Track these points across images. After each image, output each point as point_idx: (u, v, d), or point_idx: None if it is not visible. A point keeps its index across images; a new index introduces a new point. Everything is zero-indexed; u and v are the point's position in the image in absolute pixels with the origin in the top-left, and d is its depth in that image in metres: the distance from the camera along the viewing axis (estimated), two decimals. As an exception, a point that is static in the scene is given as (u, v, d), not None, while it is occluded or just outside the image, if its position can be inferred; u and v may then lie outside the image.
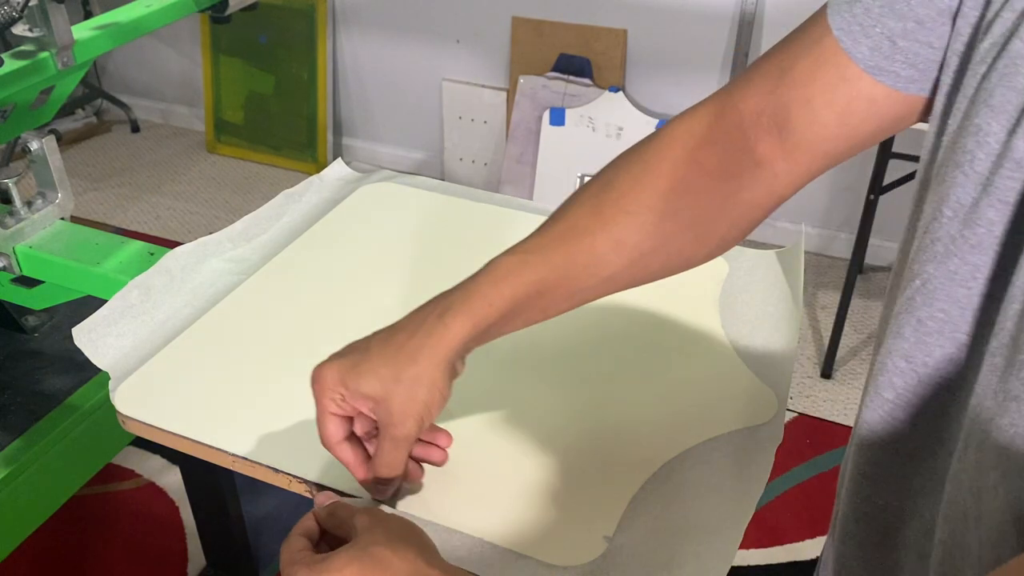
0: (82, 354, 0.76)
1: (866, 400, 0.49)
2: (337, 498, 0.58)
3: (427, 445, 0.64)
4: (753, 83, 0.55)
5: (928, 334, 0.45)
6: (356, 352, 0.58)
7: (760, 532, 1.74)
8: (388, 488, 0.60)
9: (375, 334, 0.59)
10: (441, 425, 0.70)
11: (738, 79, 0.57)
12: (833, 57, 0.51)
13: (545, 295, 0.57)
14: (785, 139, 0.54)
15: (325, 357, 0.77)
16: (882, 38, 0.49)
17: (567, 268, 0.57)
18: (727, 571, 0.58)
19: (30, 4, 0.95)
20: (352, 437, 0.60)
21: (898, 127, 0.52)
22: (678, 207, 0.56)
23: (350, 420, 0.60)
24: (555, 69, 2.73)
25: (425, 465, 0.65)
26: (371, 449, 0.60)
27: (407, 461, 0.59)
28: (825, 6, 0.52)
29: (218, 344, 0.79)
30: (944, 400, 0.46)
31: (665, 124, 0.59)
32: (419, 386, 0.56)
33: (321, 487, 0.65)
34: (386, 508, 0.62)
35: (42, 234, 1.05)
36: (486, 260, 0.91)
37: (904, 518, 0.50)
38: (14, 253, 1.02)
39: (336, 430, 0.59)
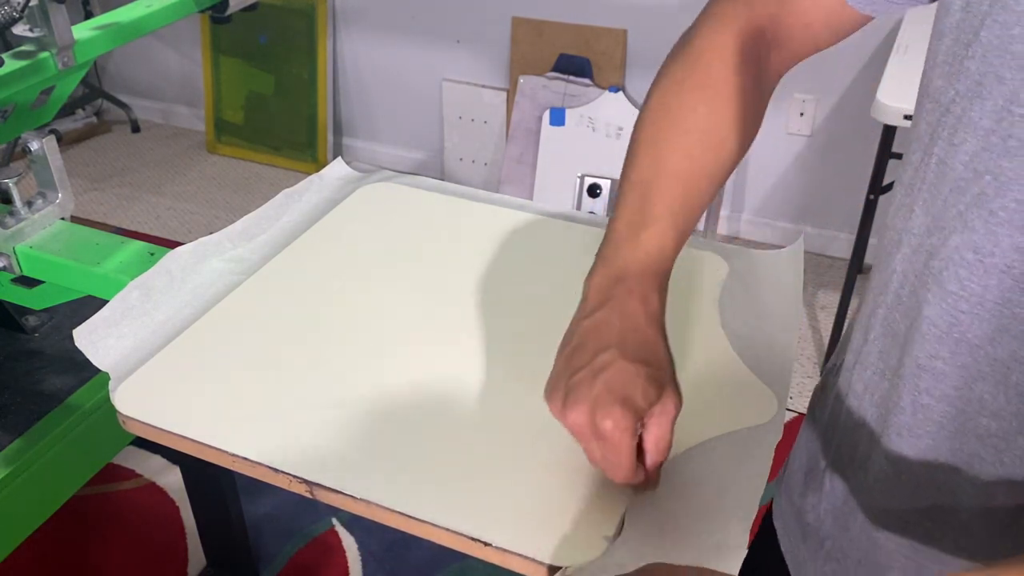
0: (82, 354, 0.76)
1: (927, 298, 0.53)
2: None
3: None
4: (755, 6, 0.65)
5: (999, 224, 0.48)
6: (624, 383, 0.56)
7: (760, 532, 1.74)
8: (656, 476, 0.60)
9: (604, 356, 0.57)
10: (439, 426, 0.70)
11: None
12: None
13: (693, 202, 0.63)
14: (783, 50, 0.66)
15: (325, 357, 0.78)
16: None
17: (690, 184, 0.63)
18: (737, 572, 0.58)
19: (30, 4, 0.95)
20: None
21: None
22: (743, 110, 0.65)
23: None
24: (555, 69, 2.73)
25: (418, 470, 0.65)
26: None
27: None
28: None
29: (218, 344, 0.79)
30: (1006, 287, 0.49)
31: (697, 46, 0.66)
32: (667, 360, 0.58)
33: (320, 487, 0.65)
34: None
35: (42, 234, 1.05)
36: (486, 260, 0.92)
37: (966, 407, 0.53)
38: (14, 253, 1.02)
39: (636, 457, 0.57)
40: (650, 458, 0.57)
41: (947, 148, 0.51)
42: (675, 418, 0.57)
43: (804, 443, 0.70)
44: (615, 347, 0.57)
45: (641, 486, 0.60)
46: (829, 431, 0.66)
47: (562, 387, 0.57)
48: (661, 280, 0.60)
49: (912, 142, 0.55)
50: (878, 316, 0.58)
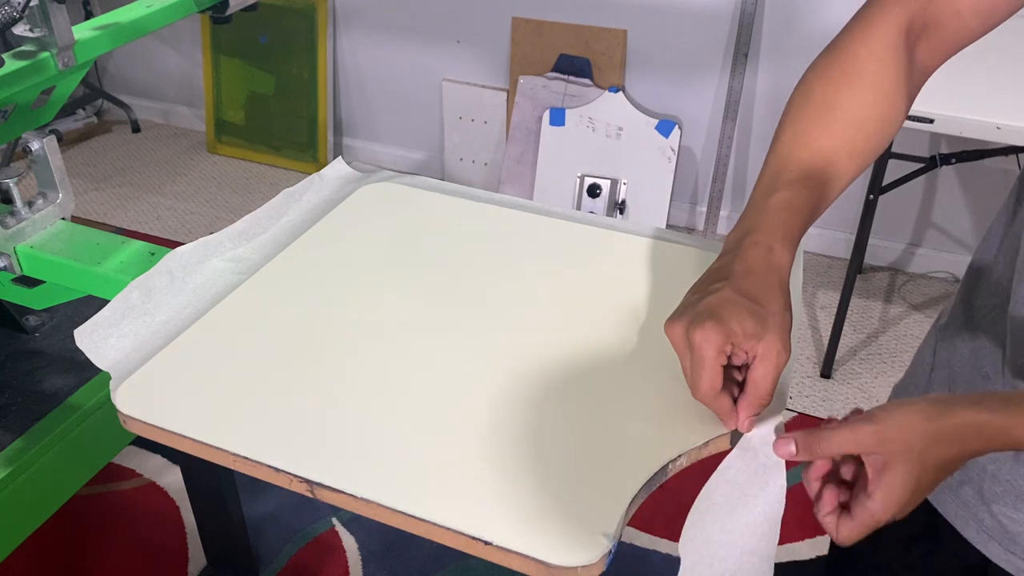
0: (83, 354, 0.76)
1: None
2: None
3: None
4: (907, 0, 0.69)
5: None
6: (723, 305, 0.61)
7: (760, 532, 1.75)
8: (747, 420, 0.65)
9: (716, 285, 0.63)
10: (440, 425, 0.71)
11: None
12: None
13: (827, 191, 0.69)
14: (933, 41, 0.69)
15: (325, 356, 0.78)
16: None
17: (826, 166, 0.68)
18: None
19: (31, 4, 0.95)
20: None
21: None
22: (885, 97, 0.70)
23: None
24: (555, 69, 2.73)
25: (419, 469, 0.66)
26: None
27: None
28: None
29: (219, 344, 0.79)
30: None
31: (845, 40, 0.70)
32: (787, 312, 0.63)
33: (322, 486, 0.65)
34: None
35: (43, 234, 1.05)
36: (486, 260, 0.92)
37: None
38: (15, 253, 1.02)
39: (720, 380, 0.62)
40: (744, 398, 0.63)
41: None
42: (778, 366, 0.61)
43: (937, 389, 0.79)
44: (727, 280, 0.63)
45: (726, 420, 0.64)
46: (976, 378, 0.73)
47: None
48: (787, 234, 0.65)
49: None
50: None
